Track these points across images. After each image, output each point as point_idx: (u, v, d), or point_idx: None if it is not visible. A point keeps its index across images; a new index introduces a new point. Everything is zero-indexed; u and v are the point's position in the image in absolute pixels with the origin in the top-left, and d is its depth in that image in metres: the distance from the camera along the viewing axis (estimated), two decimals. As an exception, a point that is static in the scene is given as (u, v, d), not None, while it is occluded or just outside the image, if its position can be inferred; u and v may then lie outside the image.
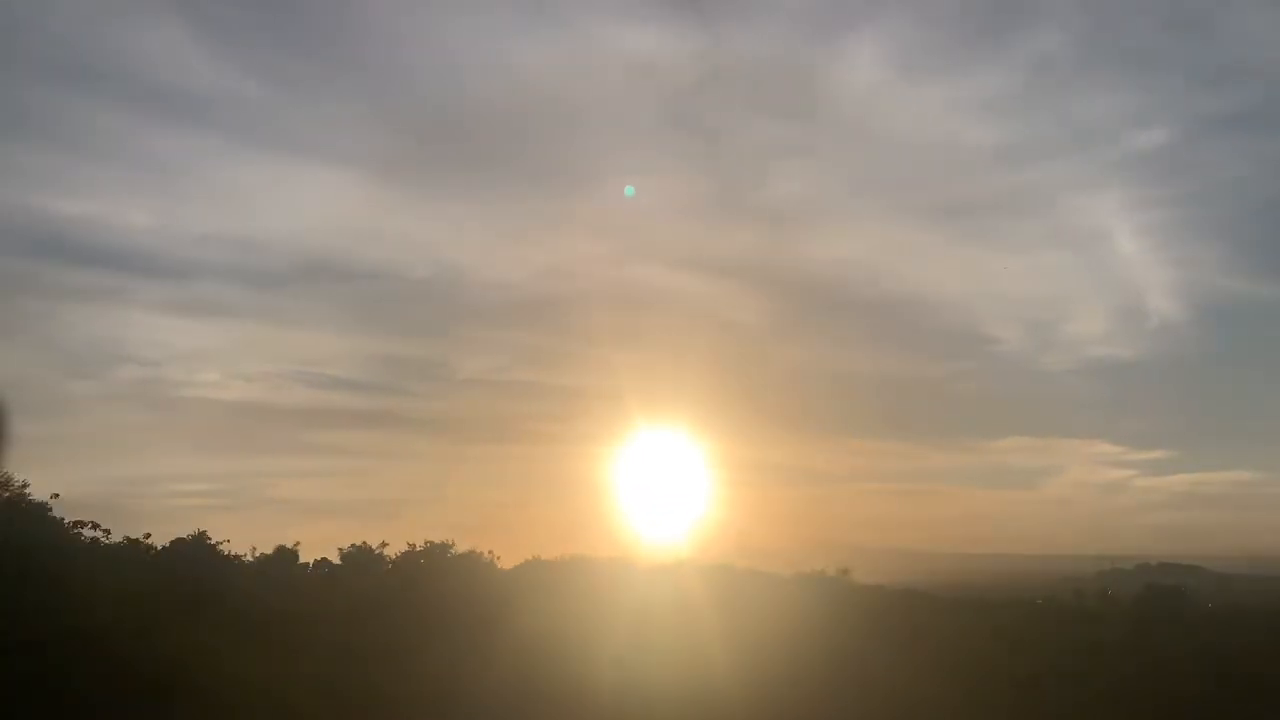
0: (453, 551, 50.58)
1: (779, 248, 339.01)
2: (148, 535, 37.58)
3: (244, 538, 46.56)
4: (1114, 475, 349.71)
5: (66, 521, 30.98)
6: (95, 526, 32.68)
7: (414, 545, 49.96)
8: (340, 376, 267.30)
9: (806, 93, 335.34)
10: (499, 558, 53.83)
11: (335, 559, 49.01)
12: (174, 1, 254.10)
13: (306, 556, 47.86)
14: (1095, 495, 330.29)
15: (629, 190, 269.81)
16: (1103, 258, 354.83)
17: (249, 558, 42.94)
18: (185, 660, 21.45)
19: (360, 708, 23.59)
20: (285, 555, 44.74)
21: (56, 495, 30.10)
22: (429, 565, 48.70)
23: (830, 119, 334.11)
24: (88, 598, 22.96)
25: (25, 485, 29.28)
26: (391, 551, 49.48)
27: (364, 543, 49.56)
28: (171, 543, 39.33)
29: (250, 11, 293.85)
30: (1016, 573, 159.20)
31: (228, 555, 41.23)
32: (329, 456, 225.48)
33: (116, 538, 34.58)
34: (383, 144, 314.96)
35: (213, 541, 40.53)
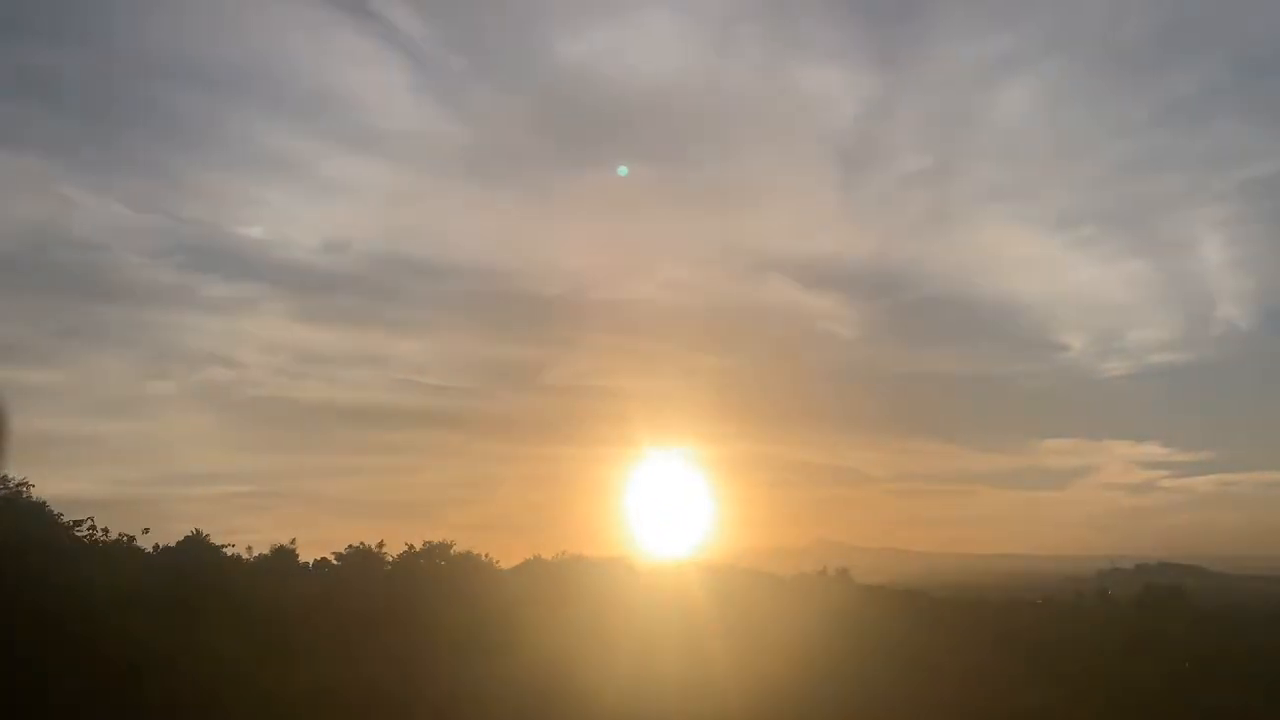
0: (452, 552, 50.63)
1: (895, 263, 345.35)
2: (145, 530, 37.51)
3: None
4: (1144, 476, 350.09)
5: (65, 520, 30.97)
6: (93, 526, 32.76)
7: (412, 546, 49.99)
8: (431, 382, 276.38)
9: (958, 123, 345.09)
10: (497, 560, 54.02)
11: (338, 560, 49.03)
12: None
13: (306, 556, 47.82)
14: (1121, 495, 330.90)
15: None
16: (1186, 269, 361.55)
17: (247, 557, 42.85)
18: (181, 659, 21.46)
19: (358, 707, 23.59)
20: (284, 555, 44.69)
21: (25, 482, 29.85)
22: (427, 566, 48.69)
23: (976, 146, 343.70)
24: (85, 597, 22.96)
25: (23, 484, 29.30)
26: (391, 552, 49.55)
27: (363, 543, 49.56)
28: (177, 543, 39.25)
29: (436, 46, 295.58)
30: (1017, 573, 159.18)
31: (227, 555, 41.12)
32: (390, 456, 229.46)
33: (115, 537, 34.59)
34: (539, 168, 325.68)
35: (212, 541, 40.43)
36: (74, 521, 31.49)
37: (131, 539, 35.60)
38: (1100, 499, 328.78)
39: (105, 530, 33.77)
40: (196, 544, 39.33)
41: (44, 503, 30.24)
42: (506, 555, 55.18)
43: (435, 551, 49.90)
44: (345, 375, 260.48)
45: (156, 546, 38.22)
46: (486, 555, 52.83)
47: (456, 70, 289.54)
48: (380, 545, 49.35)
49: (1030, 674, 34.19)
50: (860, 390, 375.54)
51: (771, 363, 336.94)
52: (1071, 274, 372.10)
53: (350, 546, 49.26)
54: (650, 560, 64.86)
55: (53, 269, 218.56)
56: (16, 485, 29.10)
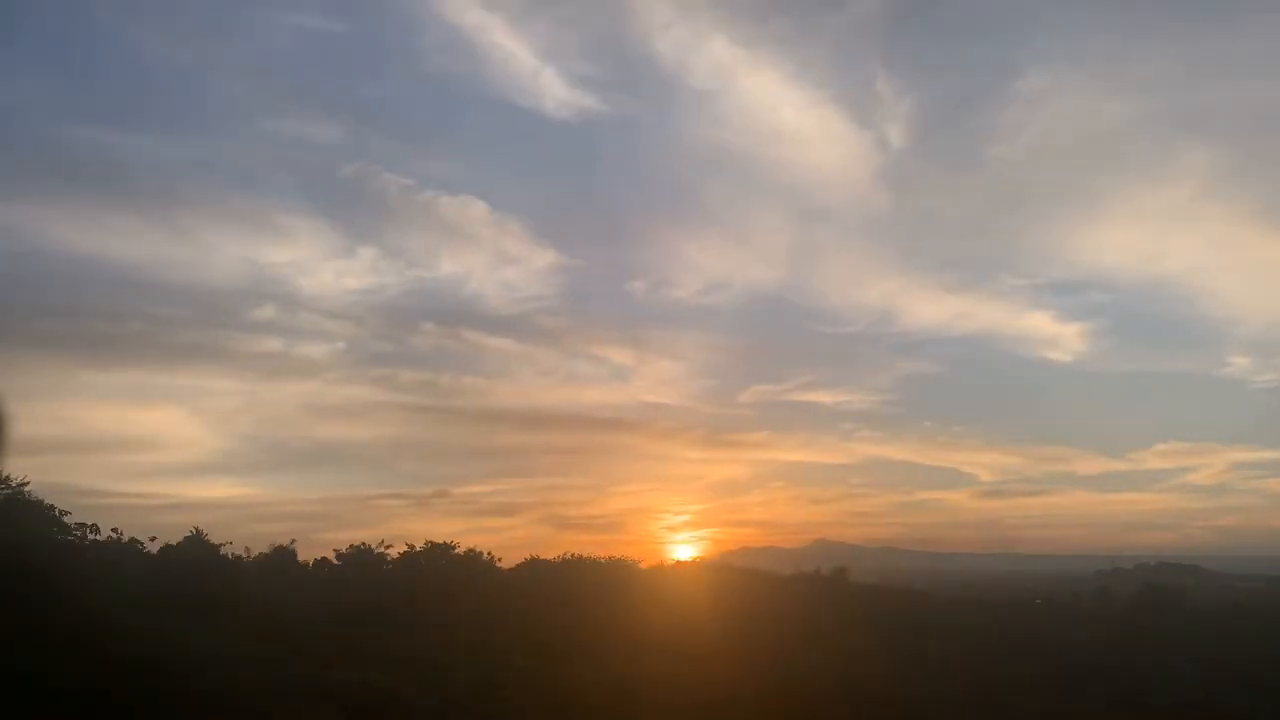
0: (453, 552, 50.82)
1: (1129, 280, 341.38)
2: (153, 539, 37.82)
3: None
4: (1227, 476, 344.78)
5: (65, 520, 31.05)
6: (95, 528, 32.92)
7: (413, 546, 50.18)
8: (655, 399, 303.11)
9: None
10: (499, 558, 54.31)
11: (339, 559, 49.18)
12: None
13: (306, 556, 47.91)
14: (1190, 496, 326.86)
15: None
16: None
17: (247, 557, 42.97)
18: (182, 658, 21.57)
19: (358, 707, 23.68)
20: (283, 555, 44.80)
21: (27, 482, 29.65)
22: (429, 566, 48.84)
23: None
24: (86, 595, 23.08)
25: (25, 484, 29.32)
26: (394, 551, 49.75)
27: (364, 543, 49.76)
28: (181, 542, 39.31)
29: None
30: (1018, 573, 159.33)
31: (227, 555, 41.23)
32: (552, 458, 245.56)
33: (115, 536, 34.77)
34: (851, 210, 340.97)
35: (212, 541, 40.49)
36: (77, 523, 31.60)
37: (132, 539, 35.81)
38: (1163, 500, 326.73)
39: (121, 536, 34.06)
40: (197, 544, 39.43)
41: (44, 502, 30.27)
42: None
43: (437, 552, 50.10)
44: (589, 391, 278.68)
45: (158, 546, 38.38)
46: (488, 555, 53.16)
47: (916, 166, 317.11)
48: (383, 545, 49.59)
49: (1031, 670, 34.26)
50: (1023, 395, 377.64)
51: (959, 373, 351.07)
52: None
53: (351, 547, 49.48)
54: (650, 561, 65.57)
55: (430, 305, 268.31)
56: (18, 485, 29.13)
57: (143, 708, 19.41)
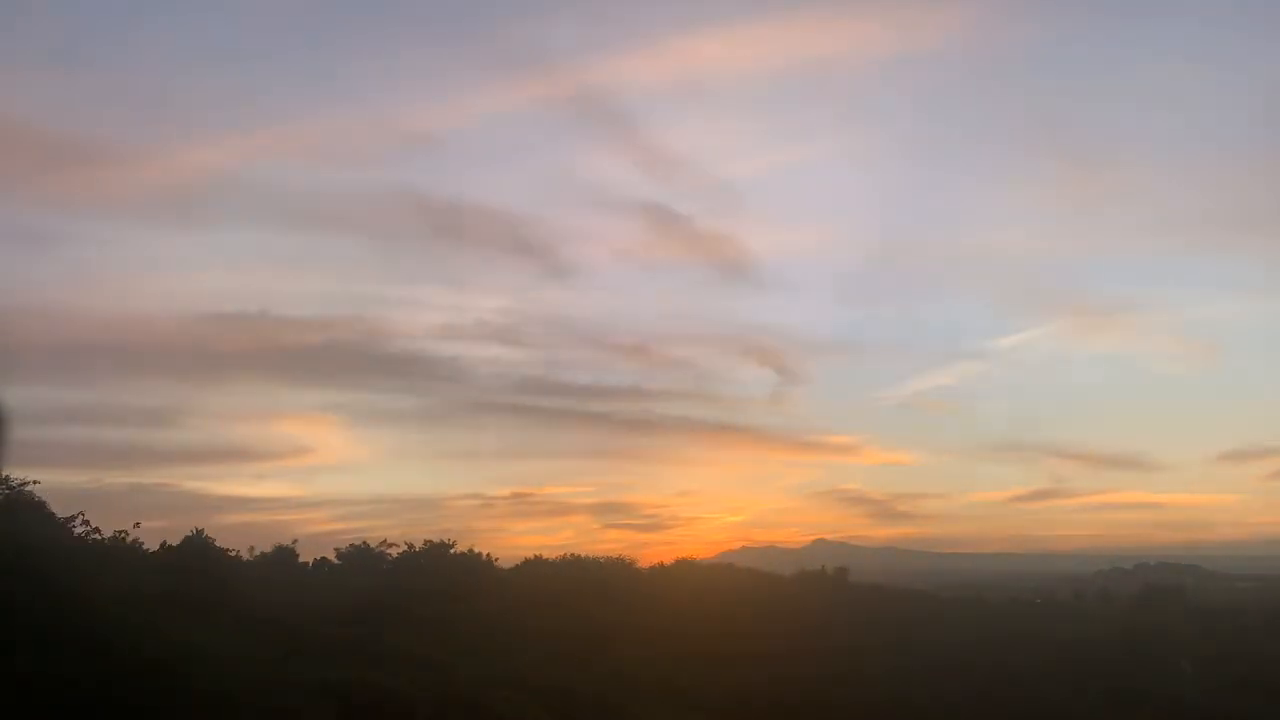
0: (452, 551, 50.87)
1: None
2: (137, 525, 37.63)
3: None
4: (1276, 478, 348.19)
5: (64, 520, 31.04)
6: (92, 526, 32.89)
7: (412, 545, 50.24)
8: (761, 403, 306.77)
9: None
10: (497, 558, 54.53)
11: (339, 559, 49.21)
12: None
13: (307, 555, 47.95)
14: (1232, 496, 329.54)
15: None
16: None
17: (248, 556, 43.00)
18: (183, 657, 21.55)
19: (360, 705, 23.67)
20: (284, 555, 44.82)
21: (37, 482, 29.67)
22: (429, 565, 48.88)
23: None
24: (87, 596, 23.04)
25: (25, 484, 29.30)
26: (393, 551, 49.82)
27: (363, 542, 49.83)
28: (181, 541, 39.24)
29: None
30: (1018, 573, 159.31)
31: (227, 554, 41.19)
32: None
33: (114, 535, 34.73)
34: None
35: (213, 540, 40.42)
36: (83, 523, 31.55)
37: (131, 538, 35.76)
38: (1197, 500, 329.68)
39: (120, 535, 33.99)
40: (197, 543, 39.41)
41: (45, 503, 30.26)
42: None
43: (436, 551, 50.16)
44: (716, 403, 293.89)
45: (158, 545, 38.36)
46: (487, 555, 53.32)
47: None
48: (382, 544, 49.66)
49: (1031, 670, 34.25)
50: (1122, 404, 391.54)
51: (1071, 385, 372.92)
52: None
53: (351, 545, 49.55)
54: (650, 559, 65.93)
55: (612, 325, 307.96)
56: (19, 486, 29.12)
57: (143, 707, 19.38)
